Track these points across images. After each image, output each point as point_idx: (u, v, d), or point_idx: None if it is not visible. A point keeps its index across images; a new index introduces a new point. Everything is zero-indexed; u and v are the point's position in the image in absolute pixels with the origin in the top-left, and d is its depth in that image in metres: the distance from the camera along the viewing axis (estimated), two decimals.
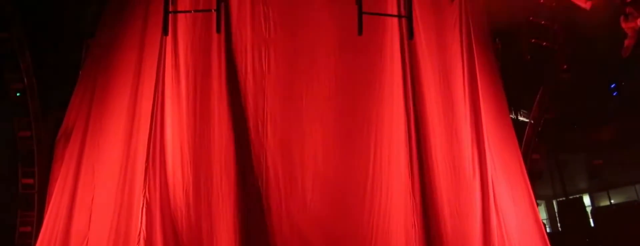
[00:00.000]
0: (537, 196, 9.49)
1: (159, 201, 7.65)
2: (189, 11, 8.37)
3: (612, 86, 10.94)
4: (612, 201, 11.50)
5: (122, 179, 7.83)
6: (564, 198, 11.07)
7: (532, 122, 10.33)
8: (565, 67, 9.56)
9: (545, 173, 10.54)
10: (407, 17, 7.24)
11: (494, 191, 8.64)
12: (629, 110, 10.61)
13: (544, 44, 9.59)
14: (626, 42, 7.13)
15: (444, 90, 8.93)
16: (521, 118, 10.62)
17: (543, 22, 9.54)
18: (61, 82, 9.22)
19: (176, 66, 8.35)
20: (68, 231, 7.78)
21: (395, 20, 8.82)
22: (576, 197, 11.10)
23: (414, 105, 8.56)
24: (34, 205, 8.69)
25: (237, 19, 8.59)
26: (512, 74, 10.10)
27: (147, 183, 7.64)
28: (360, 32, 6.99)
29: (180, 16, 8.51)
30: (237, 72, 8.38)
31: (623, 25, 7.13)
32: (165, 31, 7.76)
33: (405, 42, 8.77)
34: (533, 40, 9.66)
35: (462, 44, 9.27)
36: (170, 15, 8.19)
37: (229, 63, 8.41)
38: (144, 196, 7.55)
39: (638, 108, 10.42)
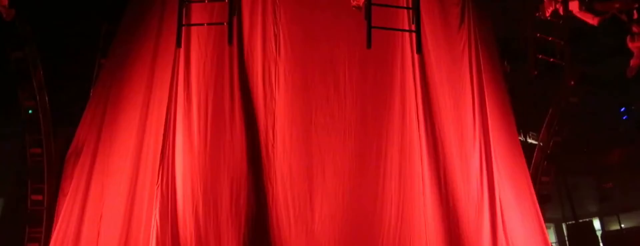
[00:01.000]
0: (546, 220, 9.41)
1: (169, 222, 7.65)
2: (202, 24, 8.44)
3: (622, 110, 10.90)
4: (622, 225, 11.35)
5: (131, 198, 7.88)
6: (573, 222, 10.95)
7: (541, 144, 10.28)
8: (572, 83, 9.52)
9: (555, 196, 10.45)
10: (416, 31, 7.30)
11: (502, 213, 8.60)
12: (639, 134, 10.53)
13: (551, 60, 9.59)
14: (632, 62, 7.13)
15: (454, 112, 8.95)
16: (530, 141, 10.57)
17: (550, 38, 9.56)
18: (73, 100, 9.34)
19: (188, 87, 8.42)
20: None
21: (407, 38, 8.84)
22: (586, 221, 10.99)
23: (425, 126, 8.55)
24: (42, 222, 8.70)
25: (249, 38, 8.66)
26: (520, 96, 10.10)
27: (157, 205, 7.62)
28: (369, 45, 7.06)
29: (193, 38, 8.60)
30: (249, 92, 8.45)
31: (629, 45, 7.14)
32: (178, 44, 7.83)
33: (417, 62, 8.80)
34: (540, 56, 9.65)
35: (471, 66, 9.31)
36: (183, 34, 8.28)
37: (241, 84, 8.49)
38: (154, 218, 7.54)
39: None
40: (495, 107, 9.38)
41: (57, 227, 8.09)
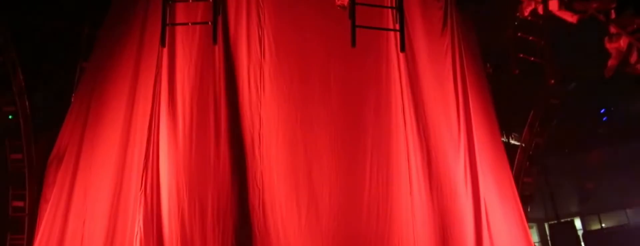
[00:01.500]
0: (529, 219, 9.52)
1: (154, 228, 7.55)
2: (186, 23, 8.38)
3: (602, 111, 11.08)
4: (603, 225, 11.55)
5: (115, 204, 7.76)
6: (555, 222, 11.12)
7: (524, 145, 10.41)
8: (552, 82, 9.65)
9: (537, 196, 10.59)
10: (399, 30, 7.37)
11: (487, 214, 8.68)
12: (619, 135, 10.72)
13: (532, 59, 9.71)
14: (609, 62, 7.24)
15: (439, 112, 9.01)
16: (513, 142, 10.70)
17: (531, 38, 9.68)
18: (54, 105, 9.21)
19: (172, 91, 8.30)
20: None
21: (392, 40, 8.85)
22: (568, 220, 11.17)
23: (412, 127, 8.60)
24: (24, 228, 8.59)
25: (234, 41, 8.61)
26: (503, 98, 10.21)
27: (141, 212, 7.54)
28: (353, 44, 7.10)
29: (177, 42, 8.53)
30: (234, 95, 8.35)
31: (607, 45, 7.24)
32: (162, 43, 7.74)
33: (402, 64, 8.85)
34: (521, 55, 9.77)
35: (455, 68, 9.38)
36: (167, 37, 8.19)
37: (226, 88, 8.40)
38: (137, 224, 7.47)
39: (628, 133, 10.54)
40: (478, 108, 9.47)
41: (40, 234, 7.97)
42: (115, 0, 9.25)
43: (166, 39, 8.38)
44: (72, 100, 9.06)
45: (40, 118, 9.15)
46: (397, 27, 7.45)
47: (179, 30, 8.59)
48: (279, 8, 8.89)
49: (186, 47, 8.59)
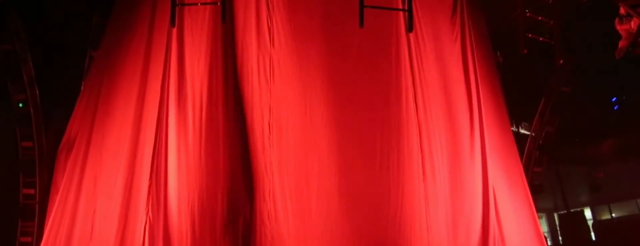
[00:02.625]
0: (538, 209, 9.48)
1: (162, 219, 7.55)
2: (196, 4, 8.39)
3: (614, 100, 10.97)
4: (613, 214, 11.47)
5: (126, 192, 7.75)
6: (565, 212, 11.06)
7: (533, 134, 10.33)
8: (561, 62, 9.55)
9: (547, 186, 10.53)
10: (408, 10, 7.35)
11: (495, 203, 8.64)
12: (630, 124, 10.61)
13: (541, 39, 9.63)
14: (620, 44, 7.12)
15: (449, 102, 8.95)
16: (522, 131, 10.62)
17: (540, 18, 9.59)
18: (64, 92, 9.23)
19: (182, 80, 8.29)
20: (69, 242, 7.74)
21: (401, 27, 8.82)
22: (577, 210, 11.10)
23: (423, 116, 8.57)
24: (34, 216, 8.66)
25: (243, 31, 8.56)
26: (513, 87, 10.13)
27: (151, 200, 7.55)
28: (361, 24, 7.08)
29: (186, 30, 8.52)
30: (243, 85, 8.29)
31: (617, 27, 7.11)
32: (172, 23, 7.77)
33: (412, 51, 8.81)
34: (529, 35, 9.69)
35: (466, 57, 9.32)
36: (175, 28, 8.22)
37: (235, 77, 8.36)
38: (146, 214, 7.48)
39: (639, 122, 10.43)
40: (488, 97, 9.43)
41: (50, 221, 8.02)
42: None
43: (175, 29, 8.49)
44: (82, 88, 9.09)
45: (51, 106, 9.19)
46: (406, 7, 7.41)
47: (188, 19, 8.58)
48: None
49: (196, 36, 8.56)
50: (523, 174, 9.37)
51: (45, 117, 9.08)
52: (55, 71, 9.37)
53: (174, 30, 8.50)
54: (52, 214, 8.09)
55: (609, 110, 11.11)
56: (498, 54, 10.31)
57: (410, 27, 7.62)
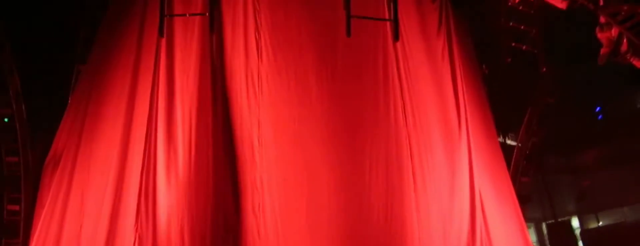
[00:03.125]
0: (526, 219, 9.54)
1: (151, 237, 7.48)
2: (184, 14, 8.46)
3: (598, 109, 11.15)
4: (600, 223, 11.58)
5: (114, 210, 7.67)
6: (552, 221, 11.14)
7: (520, 145, 10.45)
8: (544, 70, 9.74)
9: (534, 195, 10.61)
10: (393, 20, 7.50)
11: (484, 213, 8.71)
12: (614, 133, 10.78)
13: (524, 47, 9.83)
14: (602, 51, 7.32)
15: (435, 114, 9.04)
16: (509, 142, 10.73)
17: (522, 27, 9.79)
18: (51, 107, 9.15)
19: (171, 93, 8.29)
20: None
21: (389, 39, 8.93)
22: (565, 220, 11.19)
23: (411, 129, 8.64)
24: (19, 232, 8.51)
25: (231, 48, 8.59)
26: (499, 98, 10.26)
27: (140, 218, 7.49)
28: (348, 34, 7.18)
29: (175, 44, 8.55)
30: (233, 100, 8.30)
31: (599, 35, 7.30)
32: (161, 33, 7.79)
33: (400, 63, 8.90)
34: (513, 44, 9.88)
35: (453, 70, 9.46)
36: (165, 43, 8.26)
37: (224, 93, 8.36)
38: (135, 231, 7.40)
39: (623, 130, 10.61)
40: (474, 108, 9.54)
41: (36, 238, 7.89)
42: (113, 3, 9.24)
43: (164, 44, 8.52)
44: (69, 103, 9.00)
45: (37, 121, 9.09)
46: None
47: (177, 35, 8.62)
48: (275, 10, 8.90)
49: (185, 51, 8.58)
50: (511, 184, 9.46)
51: (31, 132, 8.98)
52: (42, 85, 9.30)
53: (163, 46, 8.54)
54: (37, 232, 7.95)
55: (594, 120, 11.29)
56: (484, 66, 10.45)
57: (396, 36, 7.77)
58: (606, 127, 11.04)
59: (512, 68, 10.29)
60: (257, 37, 8.65)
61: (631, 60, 7.03)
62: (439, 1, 9.86)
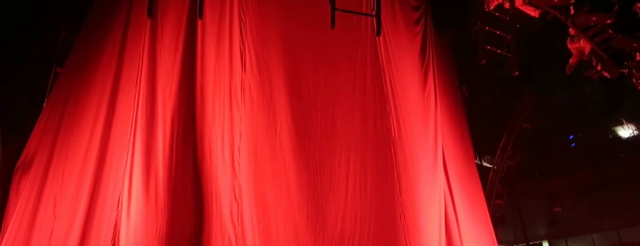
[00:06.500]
0: (498, 241, 9.67)
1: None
2: None
3: (571, 137, 11.45)
4: None
5: (89, 215, 7.48)
6: (524, 244, 11.32)
7: (496, 167, 10.62)
8: (516, 73, 10.00)
9: (507, 218, 10.78)
10: (376, 16, 7.63)
11: (459, 232, 8.77)
12: (586, 161, 11.07)
13: (499, 51, 10.08)
14: (570, 61, 7.52)
15: (416, 133, 9.10)
16: (485, 164, 10.91)
17: (498, 32, 10.05)
18: (25, 109, 8.90)
19: (152, 101, 8.13)
20: None
21: (374, 51, 9.06)
22: (536, 243, 11.38)
23: (393, 137, 8.66)
24: None
25: (216, 57, 8.52)
26: (476, 121, 10.44)
27: (117, 225, 7.30)
28: (332, 26, 7.26)
29: (158, 50, 8.44)
30: (217, 109, 8.22)
31: (569, 46, 7.50)
32: (149, 13, 7.65)
33: (387, 78, 8.99)
34: (488, 47, 10.11)
35: (435, 90, 9.55)
36: (148, 48, 8.17)
37: (207, 102, 8.27)
38: (111, 240, 7.22)
39: (596, 159, 10.91)
40: (453, 130, 9.67)
41: (4, 241, 7.59)
42: (96, 6, 9.08)
43: (147, 49, 8.40)
44: (45, 106, 8.75)
45: (9, 123, 8.81)
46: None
47: (162, 41, 8.50)
48: (261, 21, 8.89)
49: (168, 59, 8.45)
50: (485, 206, 9.57)
51: (3, 134, 8.69)
52: (16, 87, 9.02)
53: (146, 52, 8.41)
54: (6, 234, 7.64)
55: (568, 147, 11.59)
56: (464, 88, 10.64)
57: (378, 31, 7.89)
58: (579, 155, 11.32)
59: (491, 92, 10.49)
60: (242, 48, 8.60)
61: (602, 73, 7.21)
62: (421, 24, 9.98)
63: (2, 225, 7.97)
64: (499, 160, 10.59)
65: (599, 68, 7.22)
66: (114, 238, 7.23)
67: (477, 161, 10.43)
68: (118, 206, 7.43)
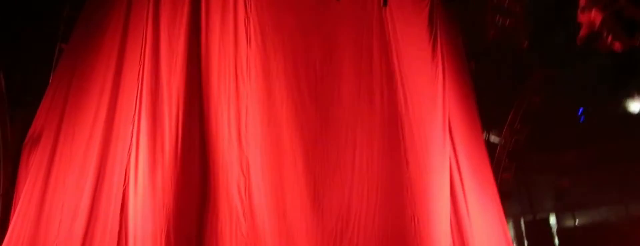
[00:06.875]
0: (506, 215, 9.69)
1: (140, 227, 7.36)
2: None
3: (580, 110, 11.36)
4: (577, 222, 11.87)
5: (97, 188, 7.55)
6: (531, 218, 11.36)
7: (503, 142, 10.57)
8: (526, 45, 9.92)
9: (514, 192, 10.79)
10: None
11: (467, 205, 8.80)
12: (596, 135, 11.00)
13: (507, 23, 9.98)
14: (581, 32, 7.43)
15: (423, 107, 9.05)
16: (492, 139, 10.86)
17: (506, 3, 9.94)
18: (31, 84, 8.89)
19: (157, 75, 8.13)
20: (35, 239, 7.46)
21: (380, 27, 9.01)
22: (543, 217, 11.42)
23: (403, 124, 8.66)
24: None
25: (220, 35, 8.49)
26: (484, 94, 10.35)
27: (124, 206, 7.36)
28: None
29: (162, 25, 8.42)
30: (222, 86, 8.21)
31: (579, 17, 7.41)
32: None
33: (394, 57, 8.92)
34: (497, 18, 10.02)
35: (443, 66, 9.48)
36: (151, 29, 8.18)
37: (212, 79, 8.25)
38: (119, 221, 7.28)
39: (605, 133, 10.83)
40: (461, 104, 9.62)
41: (15, 217, 7.69)
42: None
43: (151, 24, 8.38)
44: (50, 81, 8.74)
45: (16, 97, 8.82)
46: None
47: (164, 17, 8.47)
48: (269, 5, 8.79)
49: (172, 33, 8.42)
50: (493, 179, 9.57)
51: (10, 109, 8.72)
52: (22, 62, 9.01)
53: (150, 26, 8.40)
54: (17, 211, 7.74)
55: (576, 121, 11.51)
56: (471, 62, 10.53)
57: (384, 1, 7.82)
58: (588, 129, 11.25)
59: (499, 66, 10.39)
60: (247, 23, 8.56)
61: (614, 45, 7.10)
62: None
63: (13, 200, 8.09)
64: (507, 134, 10.53)
65: (610, 39, 7.08)
66: (122, 211, 7.30)
67: (485, 135, 10.37)
68: (125, 180, 7.50)
